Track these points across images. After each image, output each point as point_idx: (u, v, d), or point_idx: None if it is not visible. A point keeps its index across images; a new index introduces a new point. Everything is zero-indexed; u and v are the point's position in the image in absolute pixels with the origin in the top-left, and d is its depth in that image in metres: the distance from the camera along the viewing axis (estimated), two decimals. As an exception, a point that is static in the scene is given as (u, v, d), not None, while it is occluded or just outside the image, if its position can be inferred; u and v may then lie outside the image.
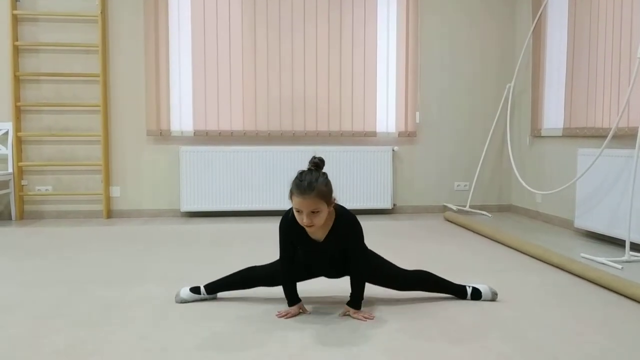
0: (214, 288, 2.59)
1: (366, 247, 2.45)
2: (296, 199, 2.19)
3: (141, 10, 5.14)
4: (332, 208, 2.27)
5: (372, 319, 2.32)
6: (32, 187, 5.17)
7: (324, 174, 2.27)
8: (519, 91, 5.46)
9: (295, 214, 2.23)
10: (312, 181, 2.17)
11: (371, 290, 2.49)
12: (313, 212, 2.18)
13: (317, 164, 2.27)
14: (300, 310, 2.39)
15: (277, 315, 2.36)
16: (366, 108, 5.40)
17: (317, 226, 2.23)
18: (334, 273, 2.48)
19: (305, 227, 2.23)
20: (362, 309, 2.37)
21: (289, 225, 2.32)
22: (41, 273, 3.10)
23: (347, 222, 2.34)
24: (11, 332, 2.17)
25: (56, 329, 2.20)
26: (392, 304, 2.53)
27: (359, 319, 2.31)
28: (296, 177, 2.22)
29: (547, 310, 2.46)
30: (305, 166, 2.29)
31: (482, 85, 5.57)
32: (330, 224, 2.30)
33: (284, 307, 2.44)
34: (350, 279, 2.40)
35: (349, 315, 2.35)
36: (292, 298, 2.41)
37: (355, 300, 2.37)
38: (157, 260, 3.43)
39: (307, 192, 2.15)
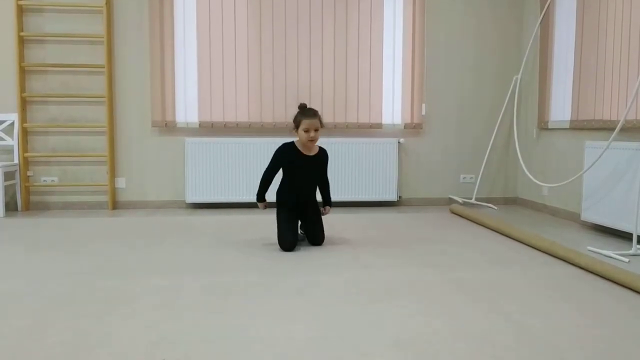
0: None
1: None
2: (307, 120, 3.39)
3: (146, 1, 5.12)
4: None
5: (327, 213, 3.73)
6: (37, 178, 5.18)
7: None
8: (526, 83, 5.42)
9: (303, 134, 3.41)
10: (314, 110, 3.46)
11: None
12: (316, 130, 3.40)
13: (305, 105, 3.51)
14: (265, 206, 3.68)
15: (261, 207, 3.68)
16: (372, 99, 5.37)
17: (316, 140, 3.44)
18: (311, 183, 3.64)
19: (309, 140, 3.41)
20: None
21: (289, 148, 3.51)
22: (47, 264, 3.11)
23: (325, 152, 3.67)
24: (17, 323, 2.18)
25: (62, 320, 2.21)
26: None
27: (326, 214, 3.71)
28: (300, 111, 3.45)
29: (553, 303, 2.45)
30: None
31: (489, 77, 5.54)
32: (317, 149, 3.59)
33: (288, 304, 2.44)
34: (321, 188, 3.72)
35: (325, 212, 3.70)
36: (262, 196, 3.64)
37: (328, 201, 3.75)
38: (162, 251, 3.43)
39: (315, 115, 3.42)
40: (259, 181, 3.63)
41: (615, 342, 2.01)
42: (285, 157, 3.52)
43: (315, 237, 3.59)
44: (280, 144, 3.58)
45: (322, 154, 3.63)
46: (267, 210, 3.81)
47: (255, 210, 5.12)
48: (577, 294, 2.61)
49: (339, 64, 5.32)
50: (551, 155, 4.98)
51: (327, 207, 3.75)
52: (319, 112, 3.48)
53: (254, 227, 4.29)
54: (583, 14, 4.45)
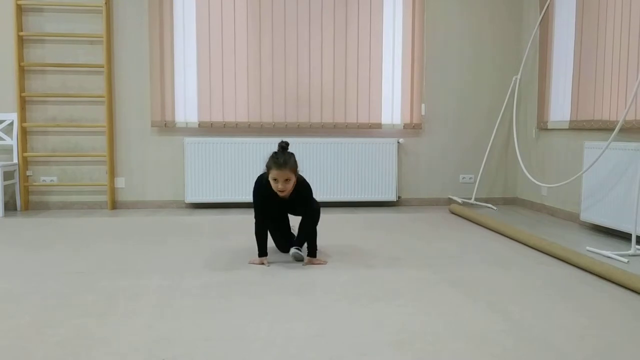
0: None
1: (314, 198, 3.16)
2: (274, 171, 2.91)
3: (146, 0, 5.12)
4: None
5: (325, 263, 3.08)
6: (37, 178, 5.17)
7: (292, 153, 3.00)
8: (525, 83, 5.42)
9: (272, 182, 2.94)
10: (286, 159, 2.93)
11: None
12: (286, 180, 2.92)
13: (284, 146, 3.00)
14: (263, 263, 3.05)
15: (248, 261, 3.10)
16: (371, 100, 5.37)
17: (287, 191, 2.96)
18: (287, 220, 3.31)
19: (278, 192, 2.94)
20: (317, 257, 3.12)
21: (262, 186, 3.03)
22: (46, 263, 3.11)
23: (304, 187, 3.09)
24: (17, 322, 2.18)
25: (62, 319, 2.21)
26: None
27: (316, 265, 3.05)
28: (272, 156, 2.96)
29: (553, 303, 2.45)
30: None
31: (488, 77, 5.54)
32: (293, 188, 3.02)
33: (288, 303, 2.44)
34: (304, 228, 3.10)
35: (310, 264, 3.06)
36: (263, 250, 3.10)
37: (312, 251, 3.11)
38: (162, 251, 3.43)
39: (283, 166, 2.90)
40: (255, 235, 3.12)
41: (615, 342, 2.02)
42: (262, 192, 3.05)
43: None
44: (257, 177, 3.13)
45: (299, 194, 3.06)
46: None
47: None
48: (577, 294, 2.61)
49: (338, 64, 5.32)
50: (550, 156, 4.99)
51: (309, 259, 3.09)
52: (295, 158, 2.97)
53: (251, 226, 4.27)
54: (582, 14, 4.46)
